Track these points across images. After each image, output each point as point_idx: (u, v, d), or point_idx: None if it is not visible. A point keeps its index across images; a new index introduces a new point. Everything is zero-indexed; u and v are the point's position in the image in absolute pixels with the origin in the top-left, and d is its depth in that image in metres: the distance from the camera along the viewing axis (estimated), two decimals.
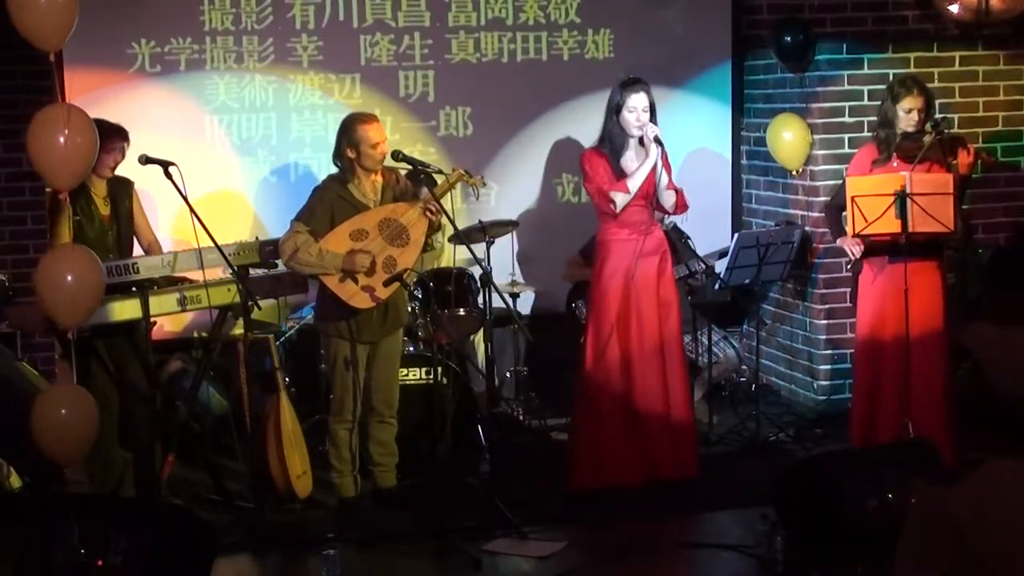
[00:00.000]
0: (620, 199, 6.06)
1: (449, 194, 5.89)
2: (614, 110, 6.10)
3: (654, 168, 6.05)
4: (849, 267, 6.74)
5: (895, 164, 6.22)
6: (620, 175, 6.08)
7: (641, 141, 6.09)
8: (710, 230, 7.89)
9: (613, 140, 6.12)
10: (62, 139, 4.85)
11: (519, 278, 7.31)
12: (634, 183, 6.05)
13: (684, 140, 7.99)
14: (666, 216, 7.21)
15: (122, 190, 6.02)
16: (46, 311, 5.10)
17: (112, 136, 5.83)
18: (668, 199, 6.16)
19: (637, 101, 6.05)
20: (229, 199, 7.44)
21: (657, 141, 6.00)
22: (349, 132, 5.89)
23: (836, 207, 6.53)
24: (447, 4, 7.65)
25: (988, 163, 6.59)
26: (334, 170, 6.00)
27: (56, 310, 5.05)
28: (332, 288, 5.80)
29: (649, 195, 6.13)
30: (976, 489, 2.61)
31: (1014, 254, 7.51)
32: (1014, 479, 2.62)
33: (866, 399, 6.39)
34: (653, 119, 6.07)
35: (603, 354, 6.14)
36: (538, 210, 7.80)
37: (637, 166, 6.07)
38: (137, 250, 6.19)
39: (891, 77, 7.26)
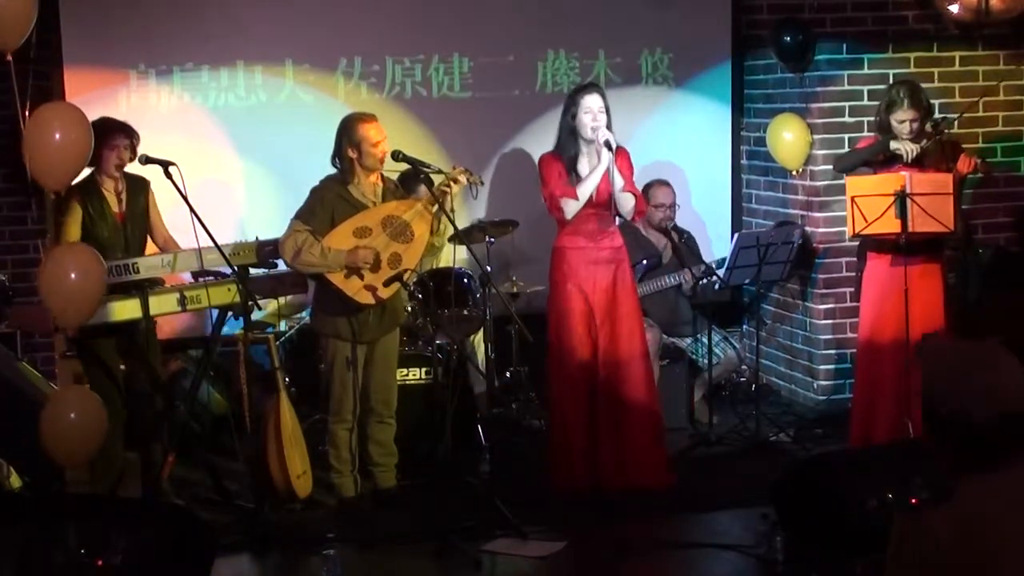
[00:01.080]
0: (570, 207, 6.00)
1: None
2: (569, 115, 6.05)
3: (609, 175, 5.96)
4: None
5: (897, 164, 6.22)
6: (577, 179, 6.03)
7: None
8: (710, 230, 7.90)
9: (568, 146, 6.07)
10: (57, 138, 4.88)
11: (519, 278, 7.31)
12: (584, 190, 5.99)
13: (684, 140, 8.00)
14: (666, 219, 7.23)
15: (137, 188, 5.96)
16: (51, 311, 5.11)
17: (114, 133, 5.78)
18: (625, 204, 6.06)
19: (592, 102, 6.00)
20: (229, 199, 7.44)
21: (607, 146, 5.90)
22: (349, 131, 5.89)
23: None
24: (447, 3, 7.67)
25: (984, 171, 6.55)
26: (333, 171, 6.00)
27: (58, 310, 5.05)
28: (338, 284, 5.79)
29: (605, 203, 6.04)
30: (953, 504, 2.62)
31: (1014, 254, 7.51)
32: (989, 493, 2.62)
33: (866, 399, 6.39)
34: (609, 123, 5.99)
35: (562, 362, 6.12)
36: (538, 210, 7.79)
37: (588, 172, 6.02)
38: (152, 248, 6.19)
39: (891, 77, 7.29)
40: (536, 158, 7.75)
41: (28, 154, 4.98)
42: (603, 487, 6.11)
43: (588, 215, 6.06)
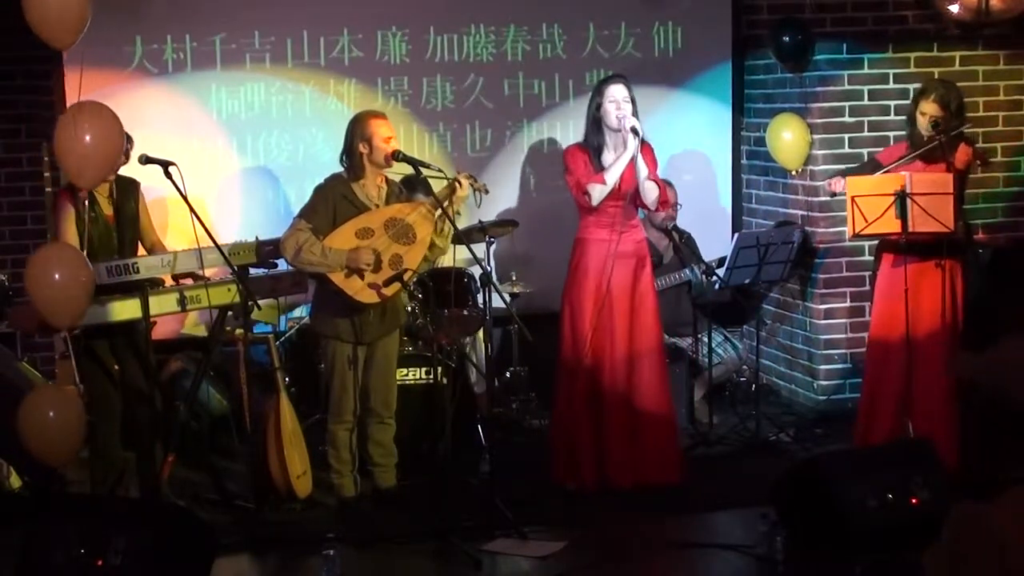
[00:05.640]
0: (597, 191, 6.02)
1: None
2: (593, 105, 6.10)
3: (634, 163, 6.01)
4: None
5: (917, 163, 6.23)
6: (600, 170, 6.06)
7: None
8: (710, 230, 7.89)
9: (594, 136, 6.10)
10: (83, 138, 4.89)
11: (519, 278, 7.31)
12: (611, 175, 6.02)
13: (684, 140, 7.99)
14: (668, 219, 7.24)
15: (128, 190, 5.97)
16: (39, 311, 5.10)
17: None
18: (649, 193, 6.08)
19: (616, 92, 6.03)
20: (229, 199, 7.44)
21: (634, 132, 5.96)
22: (361, 126, 5.90)
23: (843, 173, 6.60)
24: (447, 5, 7.67)
25: (982, 160, 6.54)
26: (336, 169, 6.00)
27: (47, 310, 5.04)
28: (338, 283, 5.79)
29: (628, 194, 6.09)
30: (1020, 505, 2.62)
31: (1014, 254, 7.50)
32: None
33: (870, 398, 6.39)
34: (635, 113, 6.03)
35: (574, 355, 6.12)
36: (538, 209, 7.80)
37: (614, 160, 6.06)
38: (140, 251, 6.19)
39: (891, 77, 7.30)
40: (535, 157, 7.83)
41: (60, 153, 5.00)
42: (612, 484, 6.12)
43: (611, 207, 6.07)
